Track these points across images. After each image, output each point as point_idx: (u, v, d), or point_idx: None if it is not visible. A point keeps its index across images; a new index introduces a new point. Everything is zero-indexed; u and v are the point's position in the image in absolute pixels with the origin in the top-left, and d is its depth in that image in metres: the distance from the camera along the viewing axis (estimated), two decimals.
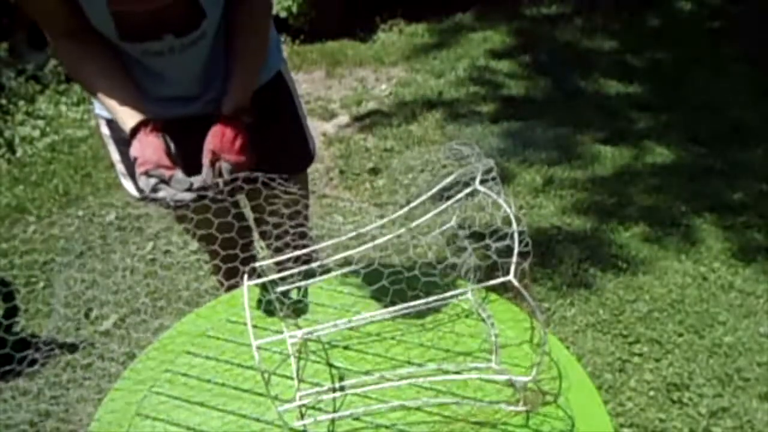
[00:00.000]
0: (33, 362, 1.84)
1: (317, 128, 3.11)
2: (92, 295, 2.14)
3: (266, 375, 0.82)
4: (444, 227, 1.07)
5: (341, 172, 2.75)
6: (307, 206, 1.44)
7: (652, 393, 1.78)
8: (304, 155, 1.36)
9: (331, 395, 0.92)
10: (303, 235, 1.32)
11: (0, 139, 3.02)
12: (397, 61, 3.79)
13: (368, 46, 4.03)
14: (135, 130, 0.99)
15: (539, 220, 2.45)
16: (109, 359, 1.91)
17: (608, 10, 4.28)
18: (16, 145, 3.04)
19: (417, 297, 1.03)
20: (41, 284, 2.22)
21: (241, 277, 0.87)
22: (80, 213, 2.58)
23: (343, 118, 3.22)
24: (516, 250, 0.72)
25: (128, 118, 1.00)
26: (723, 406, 1.74)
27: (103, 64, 1.03)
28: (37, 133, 3.13)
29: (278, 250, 1.02)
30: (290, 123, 1.33)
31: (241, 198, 1.42)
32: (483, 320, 1.05)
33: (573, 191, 2.61)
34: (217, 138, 1.01)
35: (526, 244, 0.73)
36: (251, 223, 1.51)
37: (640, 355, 1.90)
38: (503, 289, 0.81)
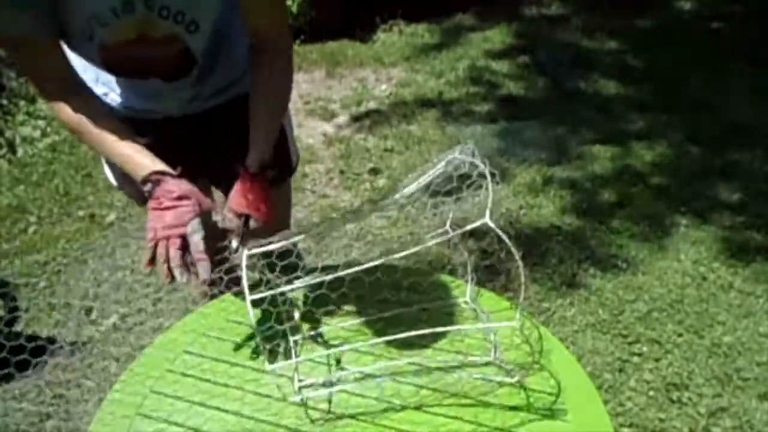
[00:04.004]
0: (34, 362, 1.84)
1: (317, 128, 3.11)
2: (93, 295, 2.15)
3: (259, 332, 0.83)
4: (443, 227, 1.07)
5: (341, 172, 2.75)
6: (288, 215, 1.45)
7: (651, 393, 1.79)
8: (284, 168, 1.33)
9: (326, 352, 0.92)
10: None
11: (1, 140, 3.02)
12: (397, 61, 3.79)
13: (368, 46, 4.03)
14: (154, 184, 0.93)
15: (539, 220, 2.46)
16: (109, 359, 1.91)
17: (608, 10, 4.28)
18: (17, 145, 3.04)
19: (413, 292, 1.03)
20: (42, 284, 2.23)
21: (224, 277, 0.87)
22: (81, 213, 2.58)
23: (343, 118, 3.22)
24: (490, 197, 0.76)
25: (142, 167, 0.95)
26: (722, 406, 1.75)
27: (110, 118, 0.99)
28: (37, 133, 3.14)
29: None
30: None
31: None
32: (476, 311, 1.05)
33: (572, 191, 2.62)
34: (244, 199, 0.97)
35: (497, 181, 0.78)
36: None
37: (639, 355, 1.90)
38: (498, 278, 0.82)
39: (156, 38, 0.95)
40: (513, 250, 0.75)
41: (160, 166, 0.95)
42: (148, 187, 0.94)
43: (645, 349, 1.92)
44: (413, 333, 0.90)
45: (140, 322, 2.04)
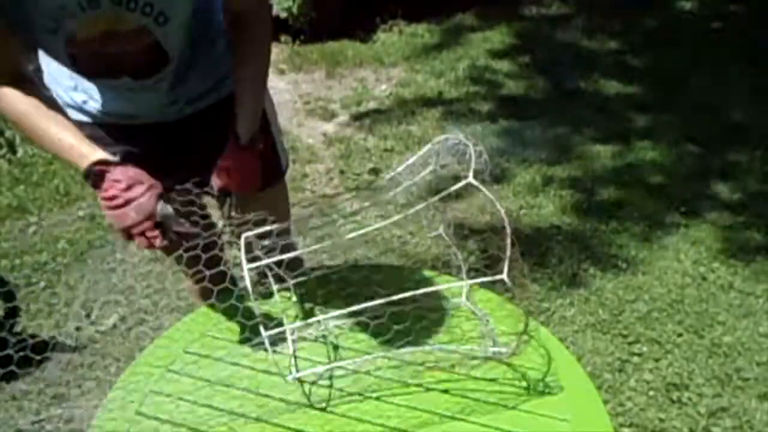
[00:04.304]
0: (33, 362, 1.84)
1: (317, 128, 3.11)
2: (93, 295, 2.15)
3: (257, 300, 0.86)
4: (441, 223, 1.07)
5: (341, 172, 2.75)
6: (287, 216, 1.44)
7: (651, 393, 1.79)
8: (274, 170, 1.31)
9: (319, 318, 0.93)
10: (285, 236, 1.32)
11: (1, 139, 3.02)
12: (397, 61, 3.79)
13: (368, 46, 4.03)
14: (98, 176, 0.91)
15: (539, 219, 2.45)
16: (109, 359, 1.91)
17: (608, 10, 4.28)
18: (17, 145, 3.04)
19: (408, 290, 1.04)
20: (42, 284, 2.23)
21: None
22: (81, 213, 2.58)
23: (343, 118, 3.22)
24: (473, 159, 0.80)
25: (83, 157, 0.93)
26: (722, 406, 1.75)
27: (50, 111, 0.96)
28: None
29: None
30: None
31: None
32: (473, 312, 1.05)
33: (572, 191, 2.62)
34: (232, 177, 0.97)
35: (480, 154, 0.82)
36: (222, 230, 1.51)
37: (639, 355, 1.90)
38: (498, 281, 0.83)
39: (124, 32, 0.92)
40: (499, 207, 0.77)
41: (101, 154, 0.91)
42: (91, 180, 0.91)
43: (645, 349, 1.92)
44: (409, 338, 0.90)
45: (140, 322, 2.04)
